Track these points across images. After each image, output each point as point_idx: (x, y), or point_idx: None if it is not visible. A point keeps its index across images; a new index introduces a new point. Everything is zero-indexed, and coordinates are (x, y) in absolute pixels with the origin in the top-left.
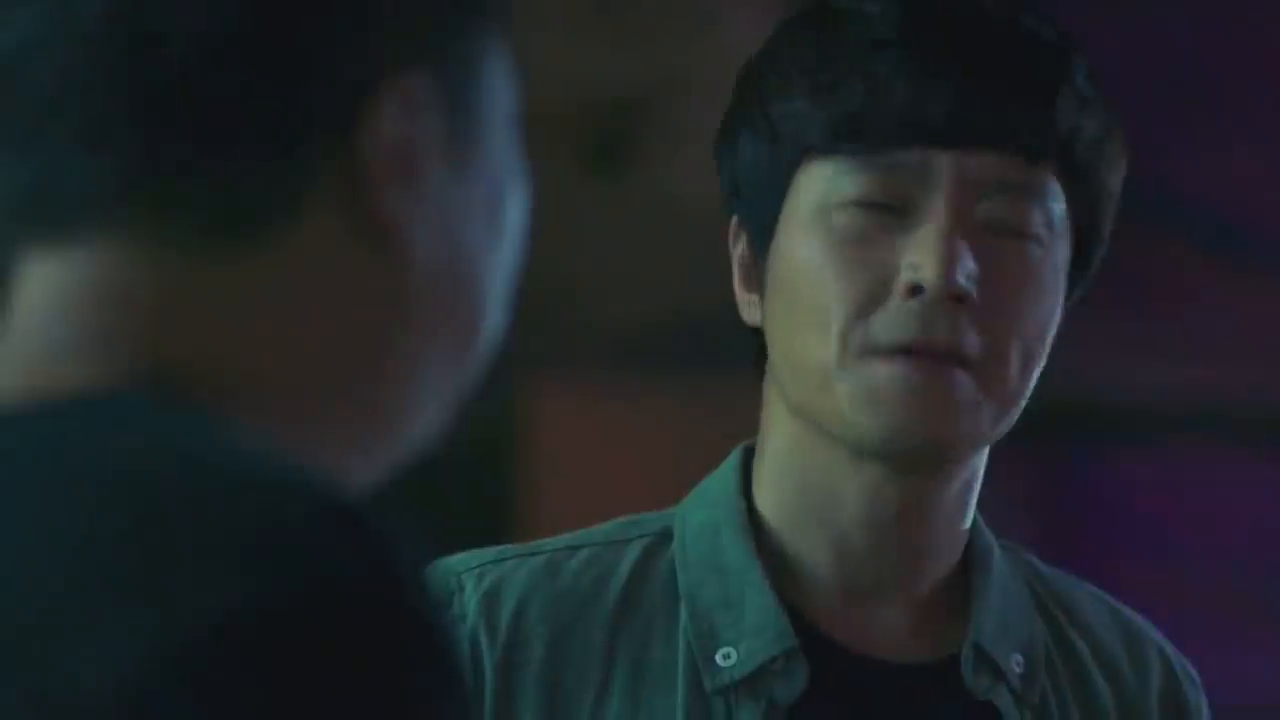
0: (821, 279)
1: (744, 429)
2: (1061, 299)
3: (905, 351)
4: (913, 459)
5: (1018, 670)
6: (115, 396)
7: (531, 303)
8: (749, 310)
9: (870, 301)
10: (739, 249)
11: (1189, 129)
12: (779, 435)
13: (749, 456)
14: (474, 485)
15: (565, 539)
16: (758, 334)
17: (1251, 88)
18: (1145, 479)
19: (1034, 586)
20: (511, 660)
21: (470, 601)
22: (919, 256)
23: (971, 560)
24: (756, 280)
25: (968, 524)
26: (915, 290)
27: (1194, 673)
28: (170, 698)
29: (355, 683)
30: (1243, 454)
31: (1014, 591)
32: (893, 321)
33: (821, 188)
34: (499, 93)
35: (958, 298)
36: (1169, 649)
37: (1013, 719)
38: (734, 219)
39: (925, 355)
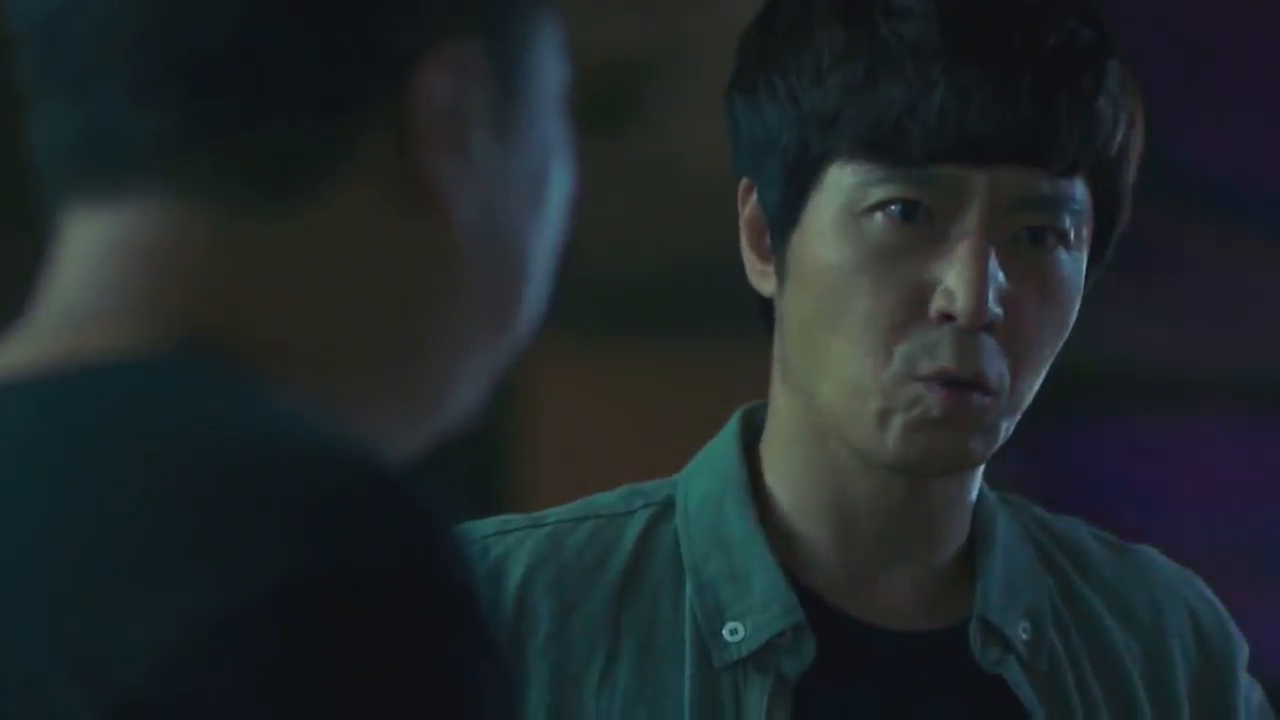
0: (854, 290)
1: (744, 391)
2: (1080, 297)
3: (936, 379)
4: (928, 474)
5: (1024, 637)
6: (160, 359)
7: None
8: (760, 279)
9: (905, 322)
10: (748, 210)
11: (1193, 95)
12: (785, 413)
13: (750, 421)
14: (471, 446)
15: (568, 509)
16: (766, 301)
17: (1258, 53)
18: (1146, 443)
19: (1039, 541)
20: (517, 636)
21: None
22: (952, 281)
23: (976, 529)
24: (769, 251)
25: (974, 497)
26: (948, 317)
27: (1212, 597)
28: (219, 662)
29: (403, 649)
30: (1244, 419)
31: (1019, 554)
32: (928, 348)
33: (851, 191)
34: (550, 69)
35: (988, 326)
36: (1183, 577)
37: (1020, 688)
38: (744, 180)
39: (953, 383)
